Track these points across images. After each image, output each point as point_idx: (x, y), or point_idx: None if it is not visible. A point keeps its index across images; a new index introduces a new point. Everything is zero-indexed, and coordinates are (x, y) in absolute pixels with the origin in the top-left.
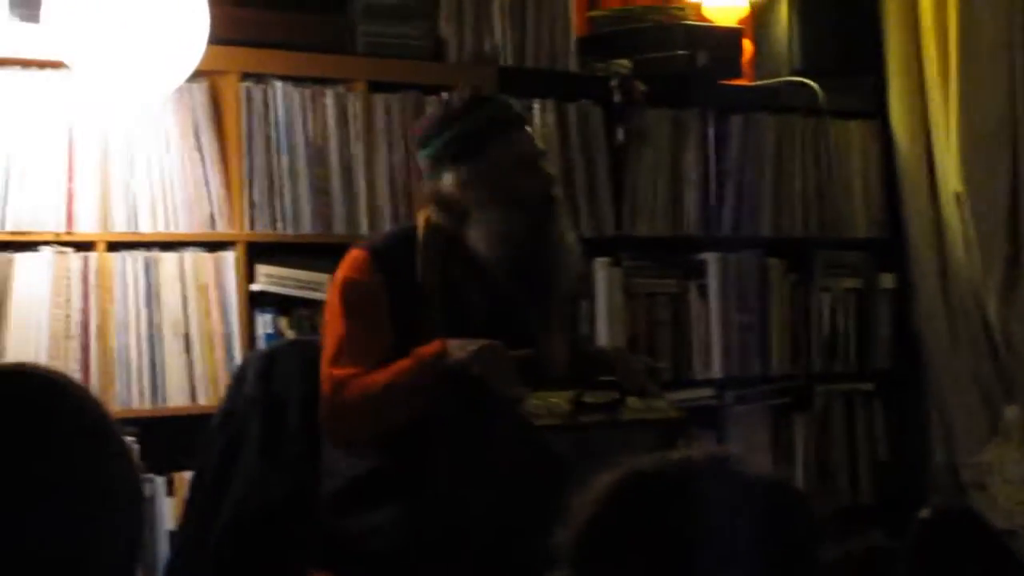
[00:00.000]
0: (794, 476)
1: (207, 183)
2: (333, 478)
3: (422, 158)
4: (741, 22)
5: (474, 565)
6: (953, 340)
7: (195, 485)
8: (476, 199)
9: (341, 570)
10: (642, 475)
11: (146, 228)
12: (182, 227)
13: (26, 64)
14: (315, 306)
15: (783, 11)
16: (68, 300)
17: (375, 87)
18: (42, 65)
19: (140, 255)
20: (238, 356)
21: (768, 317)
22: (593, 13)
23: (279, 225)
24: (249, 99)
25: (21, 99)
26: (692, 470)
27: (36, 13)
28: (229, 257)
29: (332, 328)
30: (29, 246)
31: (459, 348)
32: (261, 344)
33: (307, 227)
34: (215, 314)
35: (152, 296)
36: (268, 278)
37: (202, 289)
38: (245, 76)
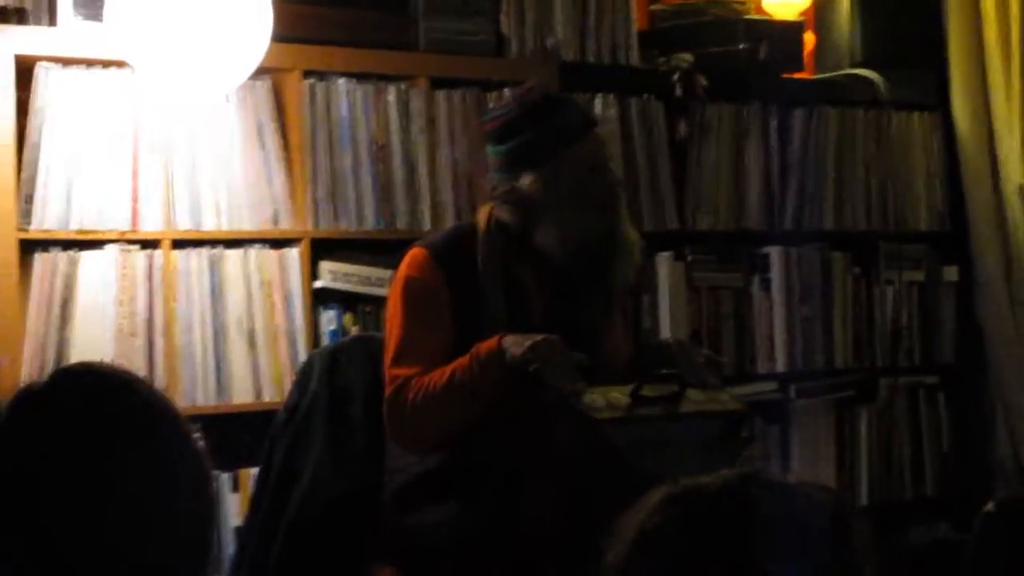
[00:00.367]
0: (858, 469)
1: (270, 180)
2: (397, 475)
3: (495, 155)
4: (802, 15)
5: (536, 561)
6: (1016, 332)
7: (260, 481)
8: (551, 199)
9: (405, 566)
10: (690, 494)
11: (210, 226)
12: (246, 224)
13: (90, 63)
14: (379, 302)
15: (844, 4)
16: (133, 298)
17: (437, 83)
18: (106, 64)
19: (204, 253)
20: (302, 353)
21: (831, 310)
22: (654, 7)
23: (342, 222)
24: (312, 96)
25: (85, 98)
26: (742, 489)
27: (99, 12)
28: (293, 254)
29: (393, 328)
30: (95, 245)
31: (516, 343)
32: (325, 340)
33: (370, 223)
34: (279, 311)
35: (216, 293)
36: (332, 275)
37: (266, 286)
38: (308, 73)
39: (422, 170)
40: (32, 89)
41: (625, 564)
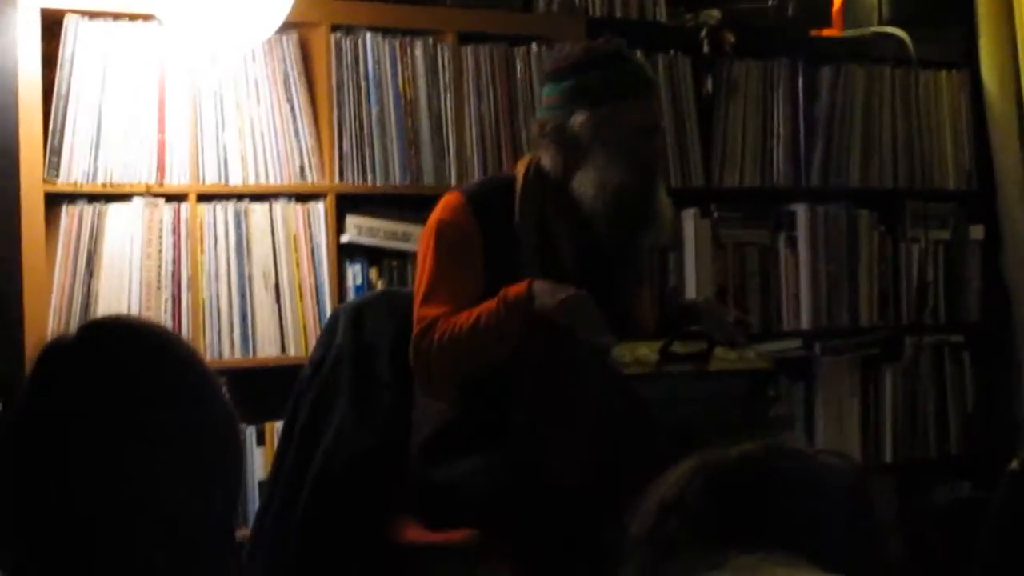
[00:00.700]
0: (883, 428)
1: (297, 134)
2: (423, 427)
3: (555, 91)
4: None
5: (561, 513)
6: None
7: (285, 435)
8: (600, 145)
9: (431, 519)
10: (714, 464)
11: (236, 180)
12: (272, 178)
13: (117, 16)
14: (405, 257)
15: None
16: (160, 251)
17: (464, 38)
18: (133, 17)
19: (231, 206)
20: (328, 307)
21: (857, 268)
22: None
23: (369, 176)
24: (339, 50)
25: (112, 51)
26: (765, 460)
27: None
28: (319, 208)
29: (424, 269)
30: (121, 198)
31: (546, 293)
32: (351, 295)
33: (397, 178)
34: (305, 265)
35: (242, 247)
36: (358, 229)
37: (292, 240)
38: (335, 27)
39: (449, 125)
40: (59, 42)
41: (648, 535)
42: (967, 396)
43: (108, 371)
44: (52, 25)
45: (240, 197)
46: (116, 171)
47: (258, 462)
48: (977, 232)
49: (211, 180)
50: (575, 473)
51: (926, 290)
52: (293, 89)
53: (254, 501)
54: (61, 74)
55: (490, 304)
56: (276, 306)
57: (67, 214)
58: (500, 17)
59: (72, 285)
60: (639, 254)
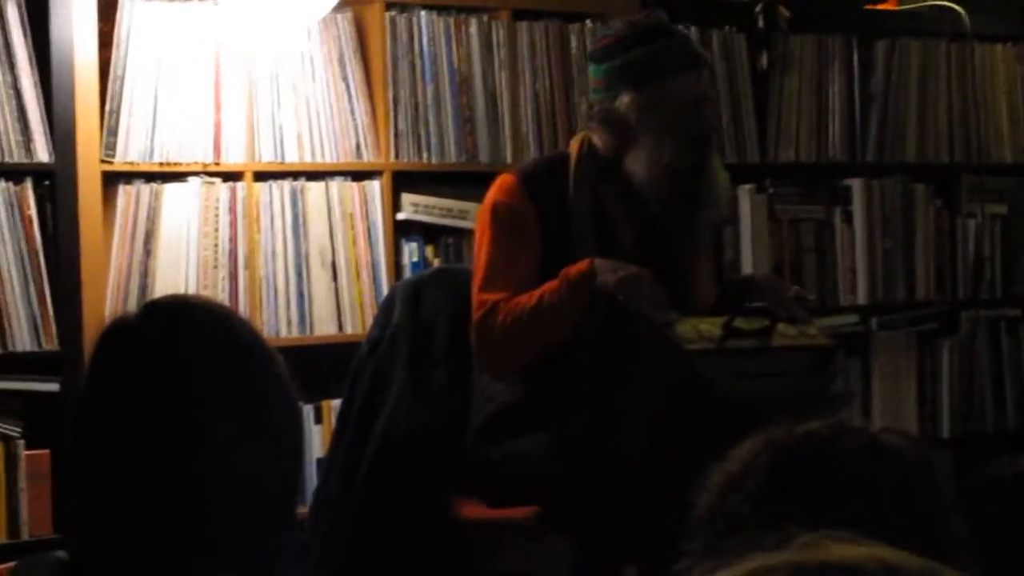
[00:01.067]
0: (939, 402)
1: (353, 113)
2: (483, 407)
3: (599, 73)
4: None
5: (623, 491)
6: None
7: (343, 413)
8: (648, 125)
9: (491, 496)
10: (780, 443)
11: (292, 158)
12: (328, 157)
13: None
14: (461, 234)
15: None
16: (216, 230)
17: (519, 15)
18: None
19: (287, 185)
20: (385, 285)
21: (913, 243)
22: None
23: (424, 154)
24: (394, 28)
25: (168, 31)
26: (829, 439)
27: None
28: (375, 186)
29: (481, 252)
30: (178, 177)
31: (608, 270)
32: (407, 273)
33: (452, 156)
34: (361, 243)
35: (299, 226)
36: (414, 207)
37: (348, 218)
38: (390, 5)
39: (504, 102)
40: (116, 21)
41: (712, 512)
42: None
43: (171, 350)
44: (108, 6)
45: (296, 176)
46: (172, 150)
47: (316, 440)
48: None
49: (267, 159)
50: (637, 450)
51: (982, 264)
52: (348, 67)
53: (312, 479)
54: (117, 54)
55: (552, 285)
56: (333, 284)
57: (124, 194)
58: None
59: (129, 265)
60: (696, 229)
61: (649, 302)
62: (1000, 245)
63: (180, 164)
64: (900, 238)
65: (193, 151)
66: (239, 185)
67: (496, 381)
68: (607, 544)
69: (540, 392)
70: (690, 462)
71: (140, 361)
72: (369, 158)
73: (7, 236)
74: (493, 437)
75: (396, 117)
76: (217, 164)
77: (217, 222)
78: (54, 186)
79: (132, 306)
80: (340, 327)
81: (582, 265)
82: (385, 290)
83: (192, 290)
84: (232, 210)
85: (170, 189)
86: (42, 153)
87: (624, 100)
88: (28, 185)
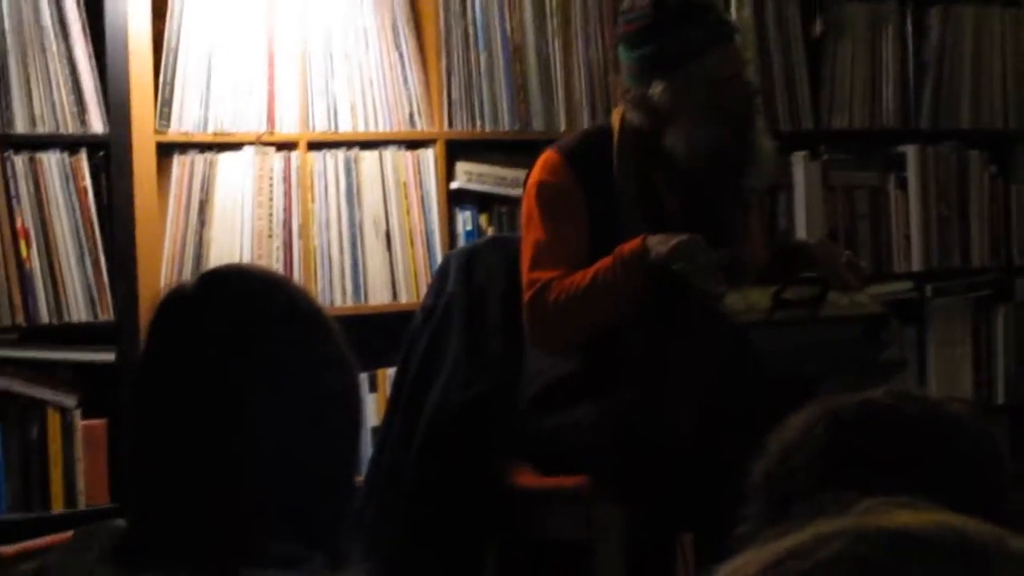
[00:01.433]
0: (995, 369)
1: (406, 81)
2: (535, 378)
3: (628, 59)
4: None
5: (673, 460)
6: None
7: (397, 382)
8: (683, 108)
9: (543, 465)
10: (839, 410)
11: (346, 127)
12: (382, 126)
13: None
14: (514, 203)
15: None
16: (270, 200)
17: None
18: None
19: (340, 154)
20: (439, 253)
21: (968, 209)
22: None
23: (478, 122)
24: None
25: (222, 2)
26: (888, 407)
27: None
28: (429, 155)
29: (529, 233)
30: (232, 147)
31: (660, 243)
32: (461, 241)
33: (505, 124)
34: (415, 212)
35: (353, 195)
36: (467, 175)
37: (402, 187)
38: None
39: (557, 70)
40: None
41: (770, 479)
42: None
43: (228, 319)
44: None
45: (350, 145)
46: (226, 120)
47: (370, 408)
48: None
49: (321, 128)
50: (687, 420)
51: None
52: (401, 36)
53: (367, 447)
54: (171, 25)
55: (605, 263)
56: (387, 253)
57: (179, 164)
58: None
59: (184, 234)
60: (743, 196)
61: (701, 269)
62: None
63: (234, 134)
64: (954, 205)
65: (247, 121)
66: (293, 155)
67: (548, 355)
68: (661, 513)
69: (592, 364)
70: (743, 432)
71: (198, 330)
72: (422, 127)
73: (62, 207)
74: (546, 408)
75: (449, 86)
76: (271, 134)
77: (271, 192)
78: (109, 157)
79: (187, 276)
80: (394, 296)
81: (635, 243)
82: (439, 259)
83: (246, 260)
84: (286, 180)
85: (224, 159)
86: (97, 124)
87: (657, 89)
88: (83, 156)
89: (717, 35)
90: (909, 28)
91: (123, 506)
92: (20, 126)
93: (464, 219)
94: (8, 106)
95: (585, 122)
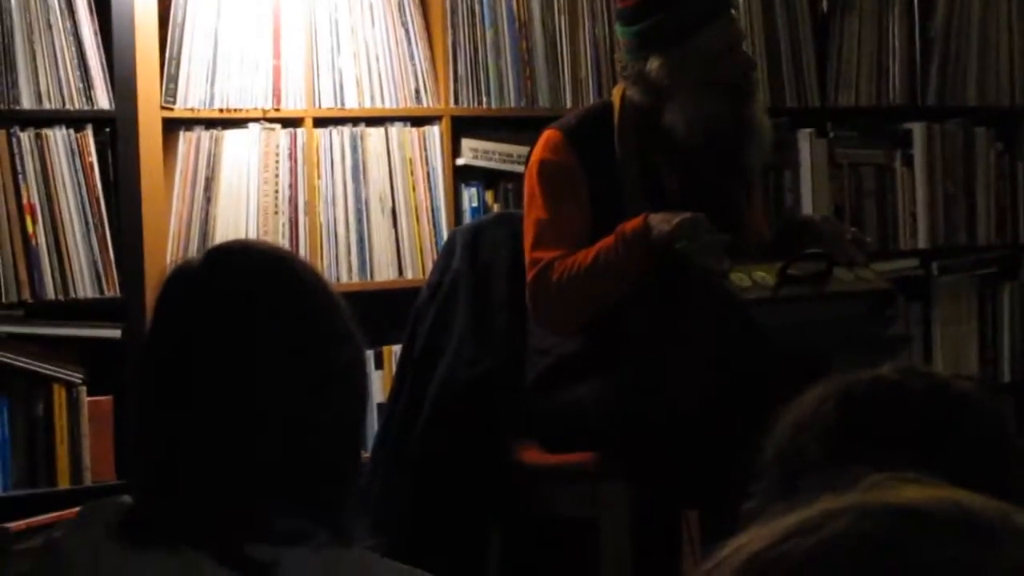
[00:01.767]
0: (1000, 346)
1: (412, 58)
2: (540, 357)
3: (626, 35)
4: None
5: (679, 437)
6: None
7: (403, 359)
8: (680, 83)
9: (549, 442)
10: (848, 386)
11: (352, 104)
12: (388, 102)
13: None
14: (520, 179)
15: None
16: (276, 176)
17: None
18: None
19: (346, 130)
20: (444, 230)
21: (974, 187)
22: None
23: (484, 99)
24: None
25: None
26: (897, 383)
27: None
28: (435, 131)
29: (532, 212)
30: (237, 123)
31: (663, 221)
32: (467, 218)
33: (511, 101)
34: (421, 188)
35: (359, 171)
36: (473, 152)
37: (408, 164)
38: None
39: (563, 46)
40: None
41: (780, 454)
42: None
43: (234, 294)
44: None
45: (356, 121)
46: (232, 97)
47: (376, 385)
48: None
49: (327, 105)
50: (692, 397)
51: None
52: (407, 12)
53: (372, 424)
54: (177, 1)
55: (607, 242)
56: (393, 230)
57: (184, 140)
58: None
59: (190, 211)
60: (743, 173)
61: (705, 248)
62: None
63: (240, 110)
64: (961, 182)
65: (253, 97)
66: (299, 131)
67: (553, 334)
68: (667, 489)
69: (597, 342)
70: (748, 409)
71: (204, 306)
72: (429, 103)
73: (68, 183)
74: (551, 385)
75: (455, 62)
76: (277, 110)
77: (277, 168)
78: (115, 133)
79: (193, 252)
80: (400, 272)
81: (637, 221)
82: (445, 235)
83: (252, 236)
84: (292, 156)
85: (230, 135)
86: (103, 100)
87: (654, 64)
88: (89, 132)
89: (713, 8)
90: (916, 4)
91: (129, 482)
92: (26, 102)
93: (470, 196)
94: (14, 83)
95: (591, 99)
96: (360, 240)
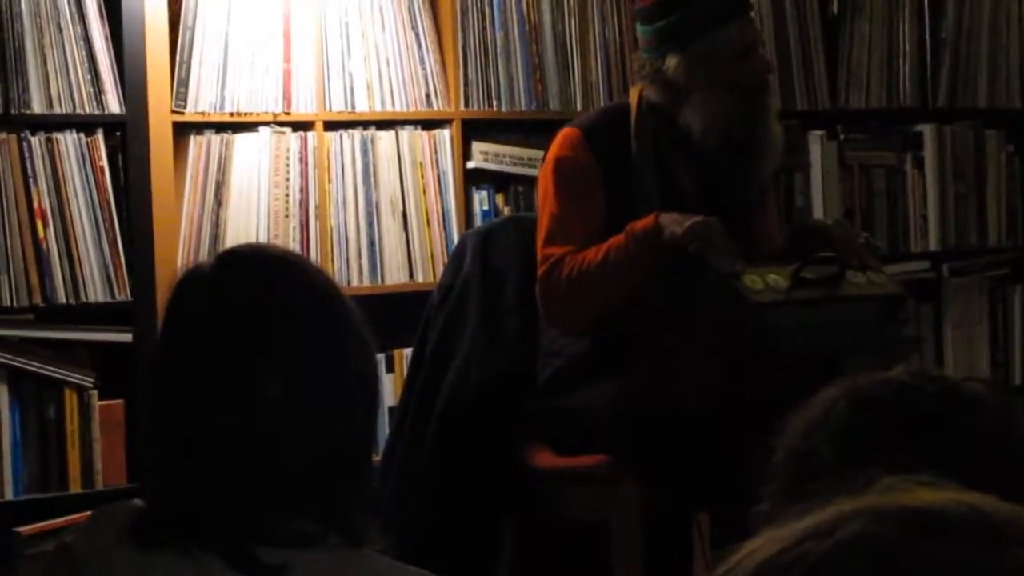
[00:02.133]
0: (1012, 348)
1: (422, 61)
2: (551, 359)
3: (645, 33)
4: None
5: (690, 439)
6: None
7: (415, 362)
8: (698, 83)
9: (561, 444)
10: (861, 388)
11: (363, 107)
12: (398, 106)
13: None
14: (531, 182)
15: None
16: (287, 180)
17: None
18: None
19: (357, 134)
20: (455, 233)
21: (985, 189)
22: None
23: (494, 102)
24: None
25: None
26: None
27: None
28: (445, 135)
29: (546, 208)
30: (248, 127)
31: (674, 222)
32: (478, 221)
33: (522, 104)
34: (432, 192)
35: (369, 175)
36: (484, 155)
37: (419, 167)
38: None
39: (574, 50)
40: None
41: (792, 456)
42: None
43: (246, 298)
44: None
45: (366, 125)
46: (243, 100)
47: (387, 389)
48: None
49: (337, 108)
50: (703, 399)
51: None
52: (418, 16)
53: (384, 427)
54: (187, 5)
55: (618, 239)
56: (403, 233)
57: (195, 144)
58: None
59: (201, 215)
60: (757, 177)
61: (718, 250)
62: None
63: (250, 114)
64: (972, 184)
65: (264, 101)
66: (309, 135)
67: (563, 335)
68: (678, 492)
69: (608, 344)
70: (761, 411)
71: (215, 310)
72: (439, 107)
73: (79, 187)
74: (563, 388)
75: (466, 65)
76: (287, 114)
77: (288, 172)
78: (125, 137)
79: (204, 256)
80: (411, 276)
81: (648, 220)
82: (456, 239)
83: (263, 240)
84: (303, 160)
85: (241, 139)
86: (113, 104)
87: (672, 62)
88: (99, 136)
89: (732, 8)
90: (926, 6)
91: (140, 486)
92: (37, 106)
93: (480, 199)
94: (25, 87)
95: (601, 102)
96: (371, 243)
